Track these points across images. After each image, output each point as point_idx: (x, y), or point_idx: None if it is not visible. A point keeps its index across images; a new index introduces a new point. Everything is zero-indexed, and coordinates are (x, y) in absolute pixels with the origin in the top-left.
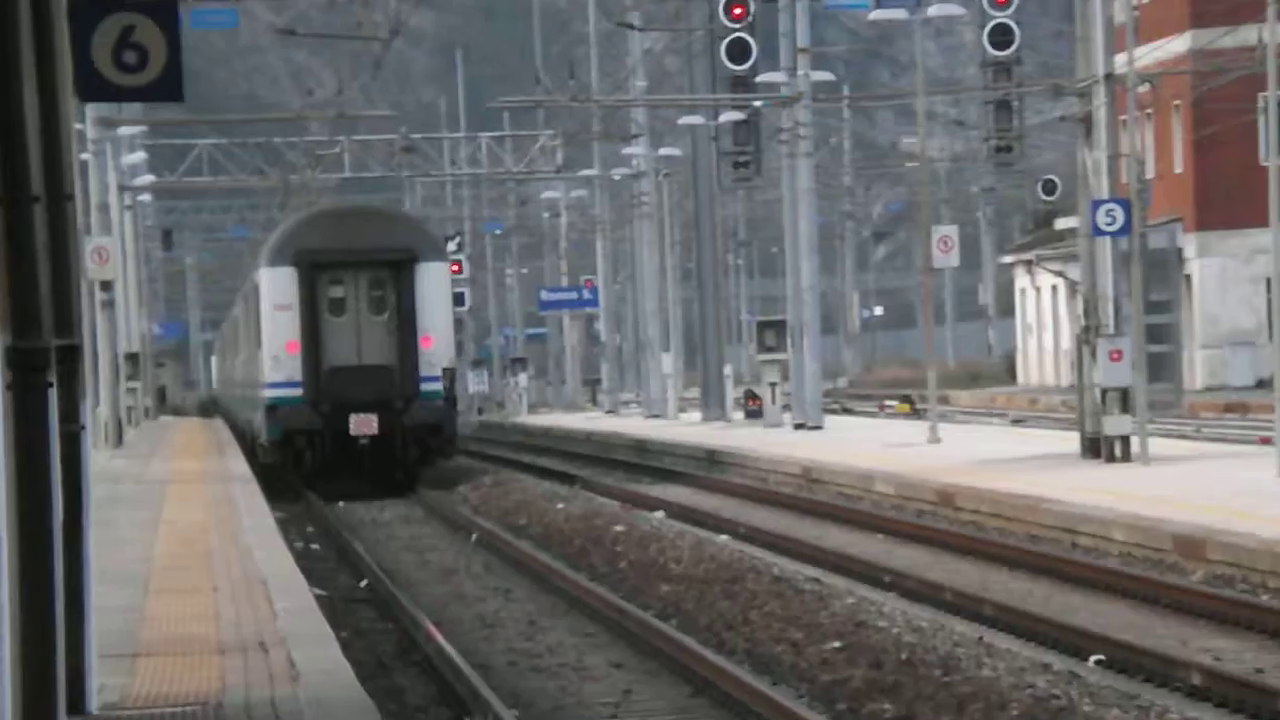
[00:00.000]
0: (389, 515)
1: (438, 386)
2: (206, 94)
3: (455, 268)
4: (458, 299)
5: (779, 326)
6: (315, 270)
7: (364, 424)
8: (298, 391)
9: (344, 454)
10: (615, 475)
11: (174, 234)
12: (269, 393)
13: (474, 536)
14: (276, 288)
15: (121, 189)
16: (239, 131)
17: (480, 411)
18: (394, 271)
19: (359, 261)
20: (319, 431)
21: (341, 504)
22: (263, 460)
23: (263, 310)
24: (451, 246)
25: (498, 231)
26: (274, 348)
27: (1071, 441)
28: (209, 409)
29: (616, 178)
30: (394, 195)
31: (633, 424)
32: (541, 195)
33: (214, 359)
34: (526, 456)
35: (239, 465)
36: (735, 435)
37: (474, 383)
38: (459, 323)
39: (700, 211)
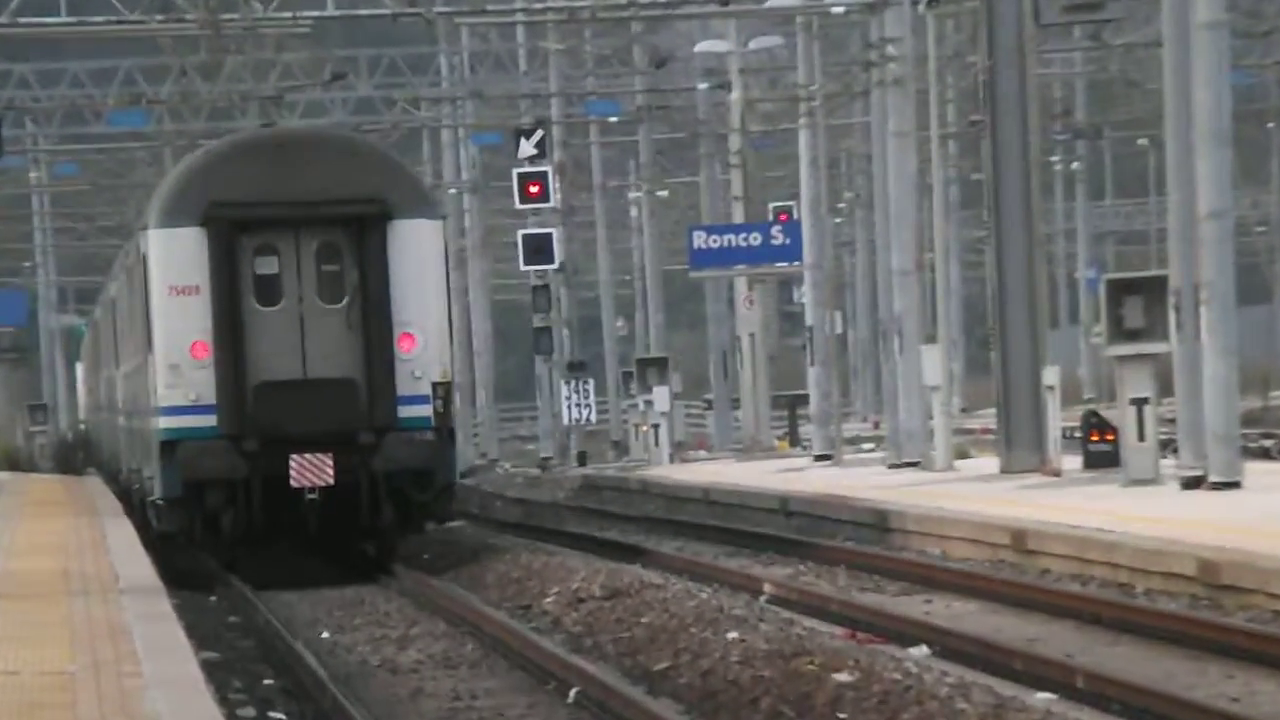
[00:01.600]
0: (415, 654)
1: (426, 411)
2: None
3: (535, 188)
4: (541, 246)
5: (1151, 291)
6: (235, 233)
7: (312, 469)
8: (210, 420)
9: (281, 517)
10: (833, 579)
11: (5, 127)
12: (165, 422)
13: (573, 693)
14: (175, 260)
15: None
16: None
17: (582, 459)
18: (356, 234)
19: (302, 218)
20: (243, 482)
21: (326, 635)
22: (157, 529)
23: (153, 294)
24: (528, 147)
25: (614, 119)
26: (172, 352)
27: None
28: (73, 456)
29: (838, 10)
30: (417, 50)
31: (868, 479)
32: (695, 49)
33: (79, 366)
34: (669, 543)
35: (133, 564)
36: (1065, 500)
37: (571, 405)
38: (543, 292)
39: (999, 74)
